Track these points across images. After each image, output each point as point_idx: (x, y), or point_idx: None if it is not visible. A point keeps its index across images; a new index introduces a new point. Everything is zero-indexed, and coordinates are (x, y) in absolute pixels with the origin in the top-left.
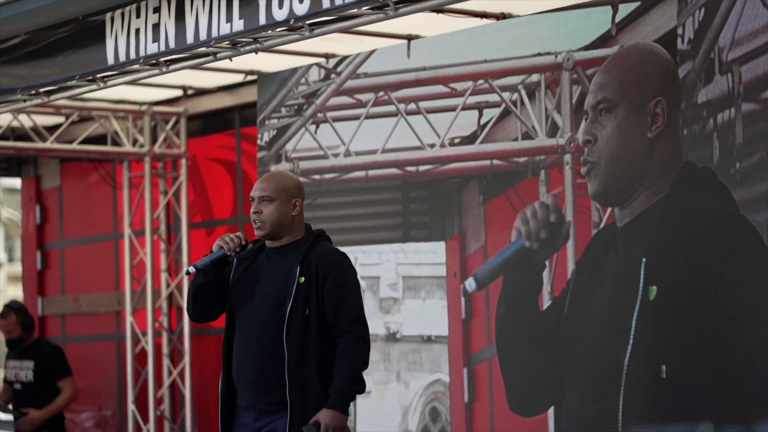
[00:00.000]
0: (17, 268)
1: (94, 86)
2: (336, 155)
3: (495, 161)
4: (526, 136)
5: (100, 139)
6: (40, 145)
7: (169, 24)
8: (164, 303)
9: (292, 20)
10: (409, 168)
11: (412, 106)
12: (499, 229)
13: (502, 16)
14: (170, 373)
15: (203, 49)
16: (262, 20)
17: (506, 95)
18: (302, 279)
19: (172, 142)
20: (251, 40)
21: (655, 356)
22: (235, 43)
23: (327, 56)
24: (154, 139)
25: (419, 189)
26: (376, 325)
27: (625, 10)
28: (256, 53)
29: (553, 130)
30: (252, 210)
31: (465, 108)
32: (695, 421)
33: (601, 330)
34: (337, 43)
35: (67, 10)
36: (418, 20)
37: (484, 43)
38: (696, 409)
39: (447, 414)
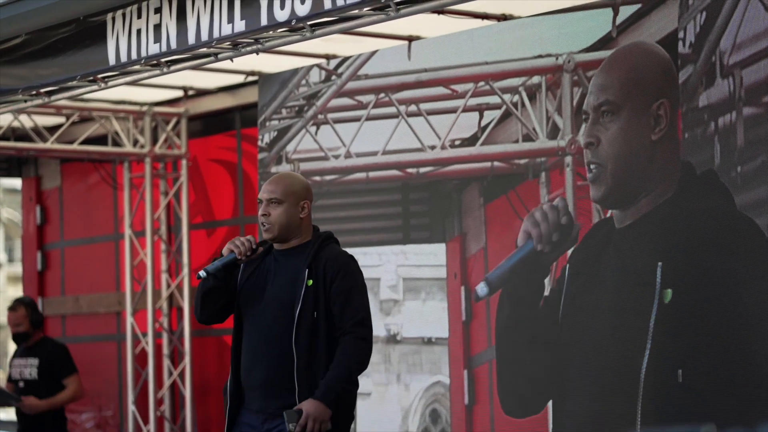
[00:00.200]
0: (17, 268)
1: (95, 87)
2: (336, 157)
3: (496, 163)
4: (527, 138)
5: (100, 140)
6: (40, 145)
7: (170, 24)
8: (164, 304)
9: (294, 21)
10: (409, 170)
11: (412, 107)
12: (499, 230)
13: (503, 18)
14: (170, 373)
15: (204, 49)
16: (264, 21)
17: (507, 97)
18: (310, 282)
19: (172, 143)
20: (252, 40)
21: (673, 360)
22: (237, 44)
23: (328, 57)
24: (154, 140)
25: (420, 191)
26: (376, 326)
27: (625, 12)
28: (257, 54)
29: (553, 132)
30: (260, 212)
31: (466, 110)
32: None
33: (608, 333)
34: (337, 44)
35: (68, 10)
36: (419, 21)
37: (485, 45)
38: (713, 412)
39: (447, 416)
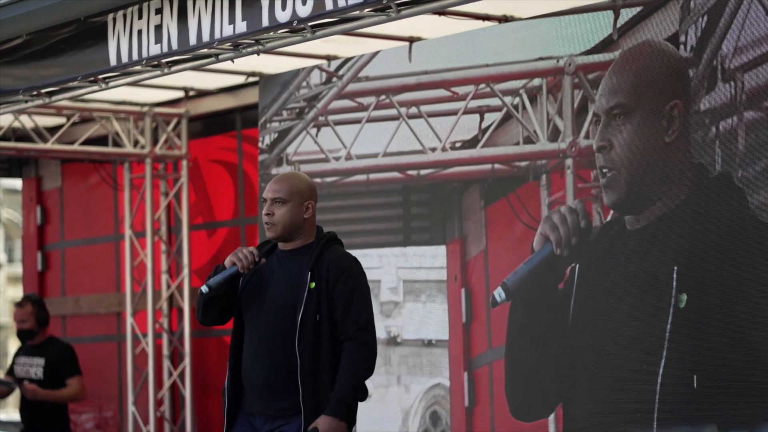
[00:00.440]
0: (17, 268)
1: (96, 87)
2: (337, 159)
3: (496, 165)
4: (528, 140)
5: (101, 140)
6: (41, 145)
7: (171, 25)
8: (165, 304)
9: (295, 22)
10: (410, 172)
11: (413, 109)
12: (500, 233)
13: (504, 19)
14: (170, 374)
15: (205, 50)
16: (265, 22)
17: (508, 99)
18: (313, 284)
19: (173, 144)
20: (253, 41)
21: (688, 366)
22: (237, 45)
23: (328, 58)
24: (155, 141)
25: (420, 193)
26: (376, 328)
27: (626, 14)
28: (258, 55)
29: (554, 135)
30: (264, 211)
31: (466, 112)
32: (727, 427)
33: (622, 337)
34: (338, 45)
35: (69, 11)
36: (420, 22)
37: (486, 47)
38: (725, 416)
39: (447, 418)
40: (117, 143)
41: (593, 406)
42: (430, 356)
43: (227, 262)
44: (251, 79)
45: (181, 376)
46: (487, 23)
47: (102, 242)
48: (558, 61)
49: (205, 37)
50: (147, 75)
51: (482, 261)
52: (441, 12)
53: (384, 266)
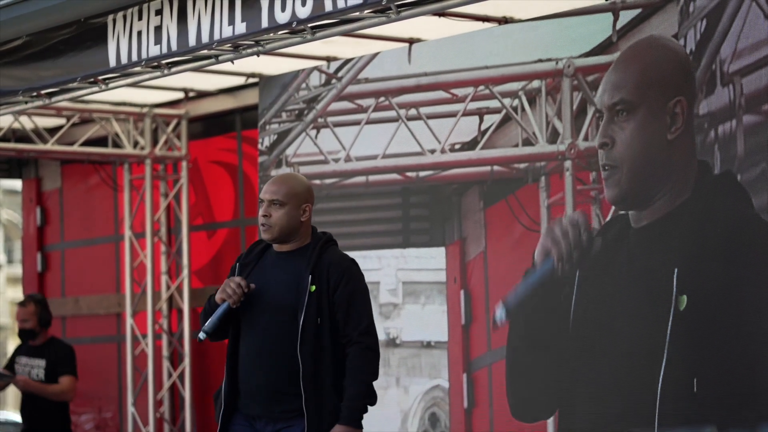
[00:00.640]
0: (17, 269)
1: (96, 88)
2: (336, 160)
3: (495, 167)
4: (527, 142)
5: (100, 141)
6: (40, 146)
7: (171, 26)
8: (164, 305)
9: (294, 23)
10: (409, 173)
11: (412, 111)
12: (499, 234)
13: (504, 20)
14: (170, 375)
15: (205, 51)
16: (265, 23)
17: (507, 101)
18: (313, 288)
19: (173, 145)
20: (253, 42)
21: (688, 368)
22: (237, 46)
23: (328, 59)
24: (155, 142)
25: (419, 194)
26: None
27: (626, 16)
28: (258, 56)
29: (553, 137)
30: (261, 213)
31: (466, 114)
32: (727, 429)
33: (622, 339)
34: (338, 46)
35: (69, 12)
36: (419, 23)
37: (485, 48)
38: (725, 418)
39: (446, 420)
40: (117, 144)
41: (593, 407)
42: (430, 358)
43: (218, 298)
44: (251, 80)
45: (181, 377)
46: (486, 24)
47: (102, 243)
48: (557, 63)
49: (205, 38)
50: (147, 76)
51: (481, 263)
52: (441, 13)
53: (383, 268)
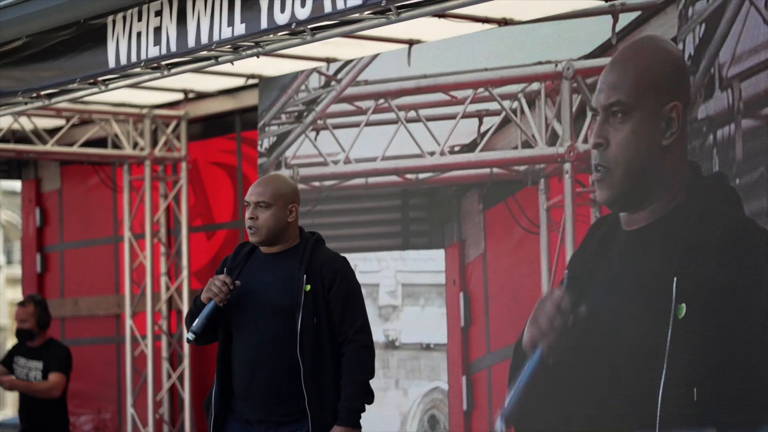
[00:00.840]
0: (16, 270)
1: (95, 89)
2: (336, 162)
3: (495, 169)
4: (526, 144)
5: (100, 142)
6: (40, 147)
7: (170, 27)
8: (164, 306)
9: (294, 24)
10: (408, 175)
11: (412, 113)
12: (498, 237)
13: (503, 22)
14: (169, 376)
15: (205, 52)
16: (264, 24)
17: (506, 103)
18: (308, 287)
19: (172, 146)
20: (253, 44)
21: (689, 377)
22: (237, 47)
23: (328, 60)
24: (154, 143)
25: (419, 196)
26: (375, 332)
27: (625, 19)
28: (258, 57)
29: (552, 139)
30: (247, 215)
31: (465, 116)
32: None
33: (620, 345)
34: (338, 47)
35: (68, 13)
36: (419, 25)
37: (485, 50)
38: (727, 418)
39: (446, 422)
40: (116, 145)
41: (593, 409)
42: (429, 360)
43: (203, 297)
44: (250, 81)
45: (180, 378)
46: (486, 26)
47: (101, 244)
48: (557, 65)
49: (204, 40)
50: (146, 77)
51: (481, 265)
52: (441, 14)
53: (383, 270)
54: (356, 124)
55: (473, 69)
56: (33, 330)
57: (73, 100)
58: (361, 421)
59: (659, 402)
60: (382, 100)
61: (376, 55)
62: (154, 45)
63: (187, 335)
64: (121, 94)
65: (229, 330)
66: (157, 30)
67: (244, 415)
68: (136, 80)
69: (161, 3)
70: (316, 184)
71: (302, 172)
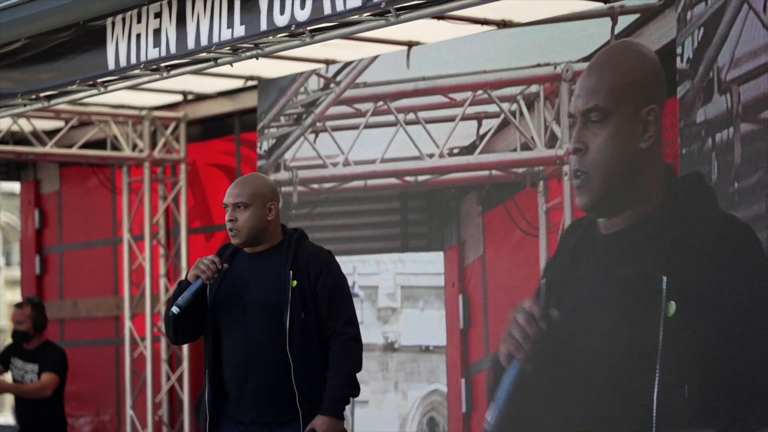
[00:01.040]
0: (15, 272)
1: (95, 91)
2: (335, 165)
3: (494, 172)
4: (525, 146)
5: (99, 144)
6: (39, 149)
7: (170, 29)
8: (163, 308)
9: (293, 26)
10: (407, 178)
11: (411, 116)
12: (497, 239)
13: (503, 24)
14: (168, 378)
15: (204, 54)
16: (263, 26)
17: (505, 106)
18: (295, 282)
19: (171, 147)
20: (252, 45)
21: (681, 375)
22: (236, 49)
23: (327, 62)
24: (153, 144)
25: (418, 199)
26: (374, 334)
27: (624, 21)
28: (257, 59)
29: (551, 141)
30: (227, 218)
31: (464, 118)
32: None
33: (610, 346)
34: (337, 49)
35: (68, 14)
36: (418, 26)
37: (484, 52)
38: (719, 420)
39: (445, 424)
40: (115, 147)
41: (593, 411)
42: (428, 362)
43: (190, 276)
44: (250, 83)
45: (179, 380)
46: (485, 28)
47: (100, 246)
48: (555, 67)
49: (204, 41)
50: (146, 79)
51: (480, 267)
52: (440, 16)
53: (381, 272)
54: (355, 127)
55: (472, 71)
56: (29, 332)
57: (73, 102)
58: (360, 424)
59: (654, 398)
60: (381, 103)
61: (375, 57)
62: (154, 47)
63: (172, 308)
64: (120, 96)
65: (218, 332)
66: (157, 32)
67: (236, 417)
68: (136, 82)
69: (161, 5)
70: (315, 186)
71: (301, 174)
